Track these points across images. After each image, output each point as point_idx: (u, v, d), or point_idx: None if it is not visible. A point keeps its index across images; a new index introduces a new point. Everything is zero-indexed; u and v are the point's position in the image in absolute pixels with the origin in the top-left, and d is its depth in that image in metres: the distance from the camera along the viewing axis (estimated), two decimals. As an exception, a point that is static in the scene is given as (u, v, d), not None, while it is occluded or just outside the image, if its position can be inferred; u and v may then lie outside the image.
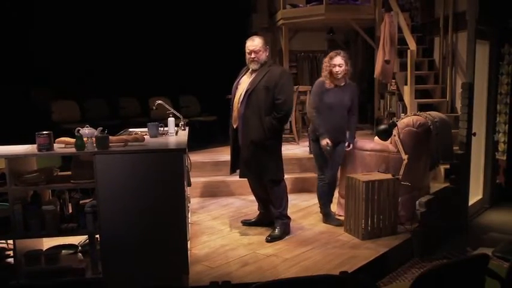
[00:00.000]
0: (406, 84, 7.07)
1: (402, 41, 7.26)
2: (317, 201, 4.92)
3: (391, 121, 5.03)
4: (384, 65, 7.22)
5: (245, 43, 4.29)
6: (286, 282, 2.18)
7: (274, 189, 4.38)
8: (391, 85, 7.98)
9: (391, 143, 4.77)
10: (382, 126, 4.75)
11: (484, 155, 6.50)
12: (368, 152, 4.81)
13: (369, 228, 4.38)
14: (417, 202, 4.67)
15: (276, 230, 4.43)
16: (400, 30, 7.22)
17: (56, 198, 3.78)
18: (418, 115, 4.89)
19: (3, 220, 3.36)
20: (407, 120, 4.79)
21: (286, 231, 4.48)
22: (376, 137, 4.91)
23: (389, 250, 4.15)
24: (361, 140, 5.08)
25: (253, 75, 4.27)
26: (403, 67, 7.35)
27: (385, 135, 4.68)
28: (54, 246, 3.85)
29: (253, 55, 4.23)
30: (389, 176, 4.49)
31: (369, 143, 4.91)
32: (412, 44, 6.86)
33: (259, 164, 4.26)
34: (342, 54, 4.60)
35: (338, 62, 4.53)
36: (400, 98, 7.53)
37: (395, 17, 7.22)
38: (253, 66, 4.26)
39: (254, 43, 4.24)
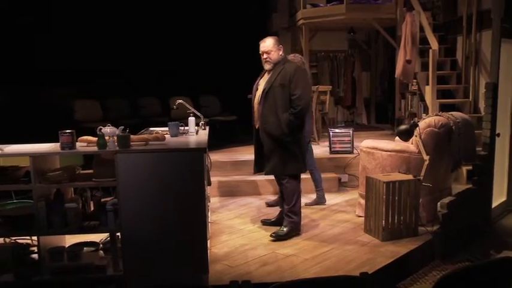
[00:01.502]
0: (427, 84, 6.98)
1: (424, 41, 7.18)
2: (337, 201, 4.90)
3: (412, 121, 4.98)
4: (405, 64, 7.15)
5: None
6: (306, 282, 2.18)
7: (287, 184, 4.41)
8: (412, 85, 7.90)
9: (412, 143, 4.72)
10: (403, 127, 4.70)
11: (508, 156, 6.37)
12: (388, 153, 4.76)
13: (389, 229, 4.34)
14: (438, 203, 4.61)
15: (283, 229, 4.43)
16: (421, 29, 7.14)
17: (78, 196, 3.83)
18: (440, 115, 4.83)
19: (28, 217, 3.41)
20: (428, 121, 4.73)
21: (293, 230, 4.44)
22: (397, 138, 4.87)
23: (410, 252, 4.11)
24: (381, 140, 5.04)
25: (269, 74, 4.35)
26: (424, 67, 7.27)
27: (406, 135, 4.63)
28: (76, 244, 3.90)
29: (265, 56, 4.33)
30: (410, 176, 4.44)
31: (389, 144, 4.86)
32: (434, 44, 6.78)
33: (280, 160, 4.30)
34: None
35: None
36: (422, 98, 7.45)
37: (416, 16, 7.15)
38: (266, 66, 4.37)
39: (265, 44, 4.34)
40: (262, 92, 4.30)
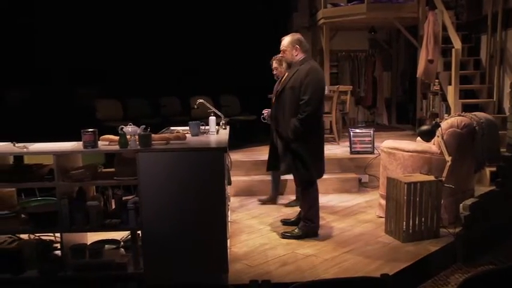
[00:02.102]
0: (450, 84, 6.89)
1: (446, 40, 7.09)
2: (357, 202, 4.88)
3: (434, 122, 4.92)
4: (427, 64, 7.07)
5: None
6: (326, 283, 2.17)
7: (303, 191, 4.41)
8: (434, 85, 7.81)
9: (434, 144, 4.66)
10: (425, 127, 4.66)
11: (533, 158, 6.26)
12: (410, 153, 4.71)
13: (410, 230, 4.30)
14: (461, 205, 4.54)
15: (296, 230, 4.42)
16: (444, 28, 7.05)
17: (100, 195, 3.87)
18: (462, 116, 4.77)
19: (51, 214, 3.47)
20: (451, 121, 4.67)
21: (307, 235, 4.38)
22: (418, 138, 4.82)
23: (431, 253, 4.06)
24: (402, 140, 4.99)
25: (286, 75, 4.31)
26: (447, 66, 7.18)
27: (427, 136, 4.58)
28: (97, 241, 3.95)
29: (281, 54, 4.34)
30: (432, 177, 4.39)
31: (411, 144, 4.81)
32: (457, 43, 6.69)
33: (291, 163, 4.27)
34: (276, 59, 5.01)
35: (274, 66, 5.05)
36: (444, 99, 7.36)
37: (439, 15, 7.06)
38: (283, 65, 4.41)
39: (283, 42, 4.31)
40: (276, 93, 4.32)
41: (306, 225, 4.39)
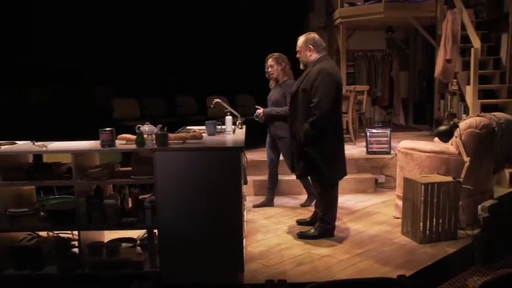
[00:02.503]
0: (468, 83, 6.81)
1: (465, 39, 7.01)
2: (374, 202, 4.85)
3: (452, 122, 4.87)
4: (445, 64, 6.99)
5: None
6: (342, 283, 2.16)
7: (321, 193, 4.38)
8: (452, 85, 7.73)
9: (451, 144, 4.61)
10: (443, 127, 4.61)
11: (553, 159, 6.16)
12: (427, 154, 4.67)
13: (427, 231, 4.26)
14: (479, 206, 4.48)
15: (312, 230, 4.40)
16: (463, 27, 6.96)
17: (116, 193, 3.91)
18: (481, 116, 4.70)
19: (69, 212, 3.51)
20: (469, 121, 4.61)
21: (322, 236, 4.35)
22: (436, 138, 4.77)
23: (448, 255, 4.02)
24: (419, 141, 4.95)
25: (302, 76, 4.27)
26: (465, 66, 7.10)
27: (445, 136, 4.54)
28: (114, 239, 3.99)
29: (297, 55, 4.29)
30: (449, 178, 4.34)
31: (428, 145, 4.77)
32: (476, 42, 6.60)
33: (305, 165, 4.25)
34: (273, 57, 5.05)
35: (269, 64, 5.06)
36: (462, 99, 7.28)
37: (458, 14, 6.98)
38: (301, 66, 4.31)
39: (298, 42, 4.27)
40: (291, 94, 4.30)
41: (322, 226, 4.38)
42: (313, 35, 4.26)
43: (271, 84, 5.22)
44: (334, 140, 4.21)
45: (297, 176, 4.48)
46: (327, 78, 4.02)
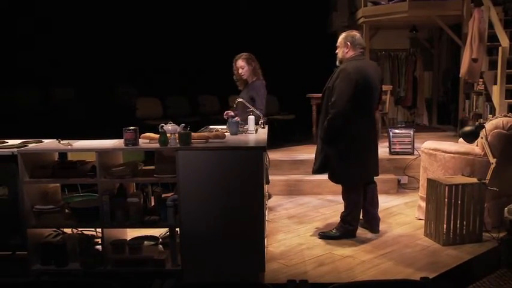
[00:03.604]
0: (495, 83, 6.68)
1: (493, 38, 6.87)
2: (396, 203, 4.80)
3: (477, 123, 4.79)
4: (470, 63, 6.88)
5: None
6: (364, 284, 2.15)
7: (343, 193, 4.37)
8: (478, 85, 7.59)
9: (477, 145, 4.53)
10: (468, 128, 4.53)
11: None
12: (452, 155, 4.60)
13: (451, 233, 4.19)
14: (505, 209, 4.40)
15: (333, 230, 4.38)
16: (491, 25, 6.83)
17: (139, 191, 3.94)
18: (508, 116, 4.61)
19: (93, 209, 3.56)
20: (496, 122, 4.52)
21: (344, 236, 4.32)
22: (461, 139, 4.69)
23: (473, 258, 3.95)
24: (444, 141, 4.88)
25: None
26: (492, 65, 6.96)
27: (470, 137, 4.46)
28: (136, 237, 4.03)
29: (336, 51, 4.26)
30: (474, 180, 4.27)
31: (452, 145, 4.69)
32: (504, 41, 6.47)
33: (321, 164, 4.27)
34: (243, 57, 4.91)
35: (240, 65, 4.91)
36: (488, 99, 7.13)
37: (486, 12, 6.84)
38: (337, 62, 4.28)
39: (338, 38, 4.26)
40: (322, 91, 4.29)
41: (344, 226, 4.35)
42: (354, 33, 4.24)
43: (239, 85, 5.09)
44: (356, 142, 4.16)
45: (312, 171, 4.46)
46: (346, 78, 4.01)
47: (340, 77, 4.04)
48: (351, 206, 4.32)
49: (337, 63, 4.26)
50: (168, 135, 3.49)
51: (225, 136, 3.79)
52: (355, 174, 4.27)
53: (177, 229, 3.59)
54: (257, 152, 3.45)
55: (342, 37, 4.23)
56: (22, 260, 3.57)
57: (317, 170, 4.37)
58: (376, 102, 4.37)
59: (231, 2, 8.55)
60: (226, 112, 4.90)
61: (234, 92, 7.93)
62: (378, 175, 4.48)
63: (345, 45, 4.18)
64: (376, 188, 4.52)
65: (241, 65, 4.93)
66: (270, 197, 5.32)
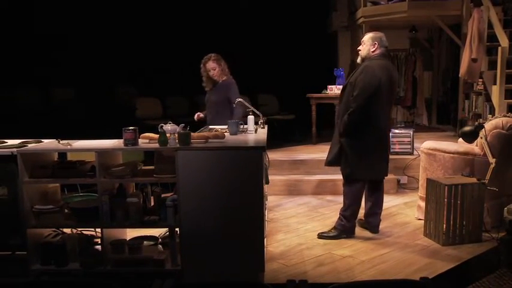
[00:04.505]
0: (495, 83, 6.68)
1: (492, 38, 6.87)
2: (396, 203, 4.80)
3: (477, 122, 4.79)
4: (470, 63, 6.88)
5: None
6: (364, 284, 2.15)
7: (345, 186, 4.38)
8: (477, 85, 7.59)
9: (476, 145, 4.54)
10: (467, 128, 4.53)
11: None
12: (451, 155, 4.60)
13: (451, 233, 4.20)
14: (505, 209, 4.41)
15: (332, 230, 4.41)
16: (490, 25, 6.83)
17: (139, 191, 3.94)
18: (508, 116, 4.62)
19: (93, 209, 3.56)
20: (495, 122, 4.53)
21: (343, 234, 4.37)
22: (460, 139, 4.70)
23: (472, 258, 3.96)
24: (443, 141, 4.88)
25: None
26: (492, 65, 6.95)
27: (470, 137, 4.46)
28: (136, 237, 4.03)
29: (359, 47, 4.36)
30: (474, 180, 4.27)
31: (452, 145, 4.70)
32: (503, 41, 6.48)
33: (335, 156, 4.32)
34: (213, 58, 4.92)
35: (211, 66, 4.90)
36: (488, 99, 7.13)
37: (485, 12, 6.84)
38: (357, 59, 4.37)
39: (364, 36, 4.36)
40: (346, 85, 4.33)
41: (342, 224, 4.36)
42: (381, 34, 4.36)
43: (207, 86, 5.07)
44: (371, 138, 4.21)
45: (325, 163, 4.48)
46: (370, 75, 4.10)
47: (364, 73, 4.12)
48: (350, 200, 4.33)
49: (358, 60, 4.35)
50: (168, 135, 3.49)
51: (224, 136, 3.79)
52: (362, 170, 4.28)
53: (177, 229, 3.59)
54: (257, 152, 3.45)
55: (369, 36, 4.31)
56: (22, 260, 3.57)
57: (329, 162, 4.41)
58: (392, 103, 4.44)
59: (231, 1, 8.54)
60: (197, 114, 4.89)
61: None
62: (387, 175, 4.47)
63: (373, 44, 4.26)
64: (383, 188, 4.53)
65: (213, 66, 4.95)
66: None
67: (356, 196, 4.34)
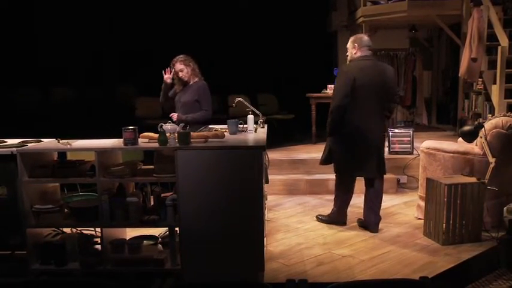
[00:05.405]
0: (494, 83, 6.68)
1: (492, 37, 6.86)
2: (395, 203, 4.83)
3: (477, 122, 4.79)
4: (470, 63, 6.87)
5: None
6: (363, 284, 2.15)
7: (335, 182, 4.66)
8: (477, 84, 7.58)
9: (476, 145, 4.54)
10: (467, 127, 4.53)
11: None
12: (451, 154, 4.60)
13: (450, 233, 4.20)
14: (505, 208, 4.41)
15: (326, 216, 4.78)
16: (490, 25, 6.82)
17: (139, 191, 3.95)
18: (508, 116, 4.62)
19: (92, 209, 3.57)
20: (495, 122, 4.53)
21: (332, 220, 4.71)
22: (460, 139, 4.70)
23: (472, 258, 3.95)
24: (443, 141, 4.88)
25: None
26: (492, 65, 6.95)
27: (470, 136, 4.46)
28: (136, 237, 4.03)
29: (346, 53, 4.57)
30: (474, 179, 4.27)
31: (452, 145, 4.70)
32: (503, 40, 6.47)
33: (325, 154, 4.60)
34: (180, 60, 4.82)
35: (179, 68, 4.79)
36: (488, 98, 7.13)
37: (485, 12, 6.84)
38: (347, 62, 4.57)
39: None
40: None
41: (333, 208, 4.70)
42: (361, 35, 4.60)
43: (177, 86, 4.96)
44: (349, 135, 4.35)
45: (320, 162, 4.69)
46: (343, 77, 4.32)
47: (338, 75, 4.40)
48: (337, 191, 4.63)
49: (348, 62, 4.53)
50: (168, 134, 3.50)
51: (224, 135, 3.79)
52: (346, 166, 4.48)
53: (177, 228, 3.59)
54: (256, 151, 3.45)
55: (350, 40, 4.50)
56: (21, 260, 3.58)
57: (322, 161, 4.64)
58: (382, 102, 4.41)
59: (231, 1, 8.54)
60: (171, 114, 4.85)
61: (233, 91, 7.97)
62: (376, 176, 4.45)
63: (353, 47, 4.42)
64: (381, 186, 4.53)
65: (180, 68, 4.84)
66: None
67: (344, 188, 4.58)
